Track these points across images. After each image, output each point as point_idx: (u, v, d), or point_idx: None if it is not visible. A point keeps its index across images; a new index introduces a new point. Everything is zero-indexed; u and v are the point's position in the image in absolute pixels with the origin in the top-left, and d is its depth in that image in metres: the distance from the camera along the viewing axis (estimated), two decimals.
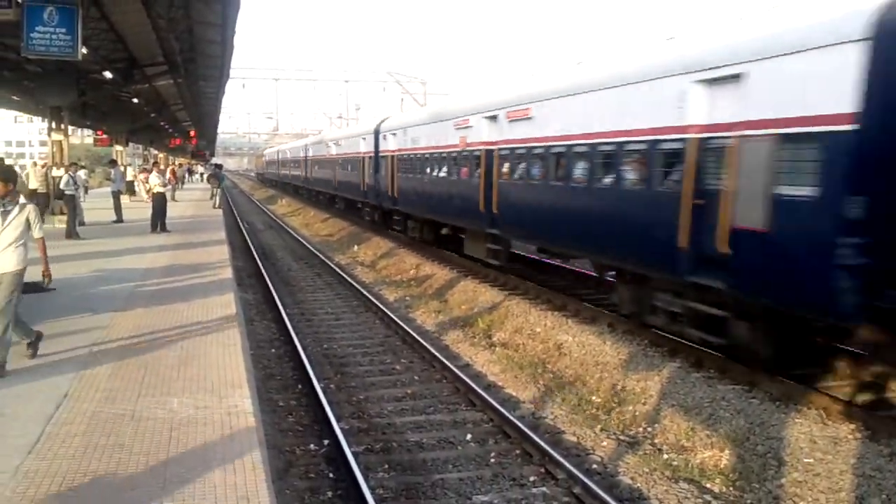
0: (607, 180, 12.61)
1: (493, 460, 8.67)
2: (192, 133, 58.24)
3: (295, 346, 13.00)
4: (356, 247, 28.70)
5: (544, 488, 7.91)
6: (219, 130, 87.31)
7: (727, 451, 8.49)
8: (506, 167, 16.90)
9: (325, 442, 9.01)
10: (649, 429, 9.57)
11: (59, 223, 22.88)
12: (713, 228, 9.76)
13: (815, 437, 8.28)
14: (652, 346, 12.03)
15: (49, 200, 25.59)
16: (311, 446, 8.97)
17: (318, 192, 47.40)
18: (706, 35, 11.32)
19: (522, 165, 16.07)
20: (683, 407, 9.70)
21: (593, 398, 10.75)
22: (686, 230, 10.25)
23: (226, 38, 22.04)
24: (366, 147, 31.02)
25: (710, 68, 10.08)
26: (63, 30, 15.21)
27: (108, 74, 25.38)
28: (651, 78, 11.48)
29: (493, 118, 17.79)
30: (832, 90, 8.18)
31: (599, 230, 13.27)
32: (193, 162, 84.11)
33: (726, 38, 10.51)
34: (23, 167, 35.25)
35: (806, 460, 7.93)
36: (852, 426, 8.42)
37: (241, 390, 7.74)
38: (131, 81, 28.52)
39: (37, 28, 15.14)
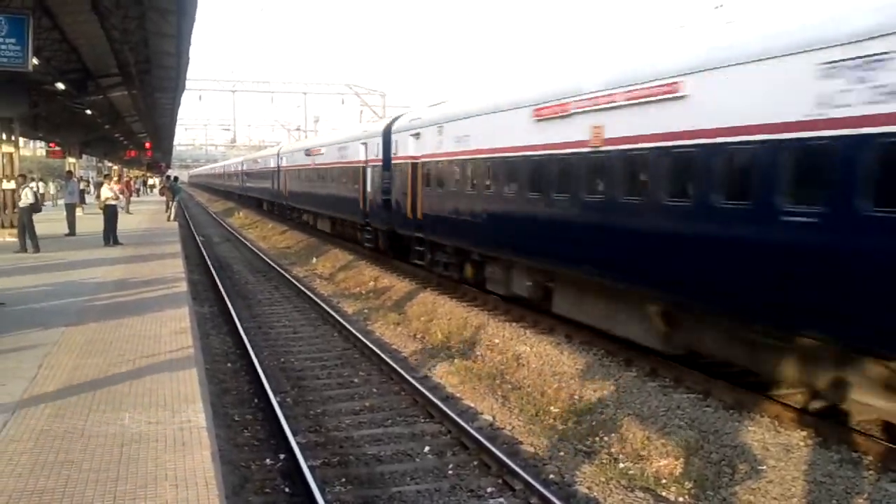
0: (345, 183, 28.52)
1: (451, 472, 8.65)
2: (147, 145, 57.46)
3: (251, 360, 12.87)
4: (314, 259, 28.56)
5: (502, 499, 7.91)
6: (175, 142, 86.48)
7: (682, 460, 8.57)
8: (332, 176, 32.00)
9: (282, 456, 8.92)
10: (606, 438, 9.63)
11: (10, 237, 22.43)
12: (366, 202, 25.39)
13: (768, 444, 8.41)
14: (608, 355, 12.15)
15: None
16: (267, 461, 8.88)
17: (250, 196, 62.10)
18: (370, 126, 29.33)
19: (314, 176, 35.14)
20: (639, 416, 9.79)
21: (551, 408, 10.80)
22: (363, 202, 25.67)
23: (181, 50, 21.87)
24: (275, 163, 46.64)
25: (362, 138, 26.48)
26: (12, 40, 14.95)
27: (60, 86, 24.99)
28: (351, 140, 28.32)
29: (319, 152, 34.28)
30: (377, 150, 24.10)
31: (334, 202, 30.66)
32: (149, 174, 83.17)
33: (364, 128, 29.54)
34: None
35: (759, 467, 8.04)
36: (804, 433, 8.57)
37: (195, 405, 7.61)
38: (85, 93, 28.14)
39: None
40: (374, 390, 11.88)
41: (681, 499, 7.94)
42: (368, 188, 24.92)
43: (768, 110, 8.43)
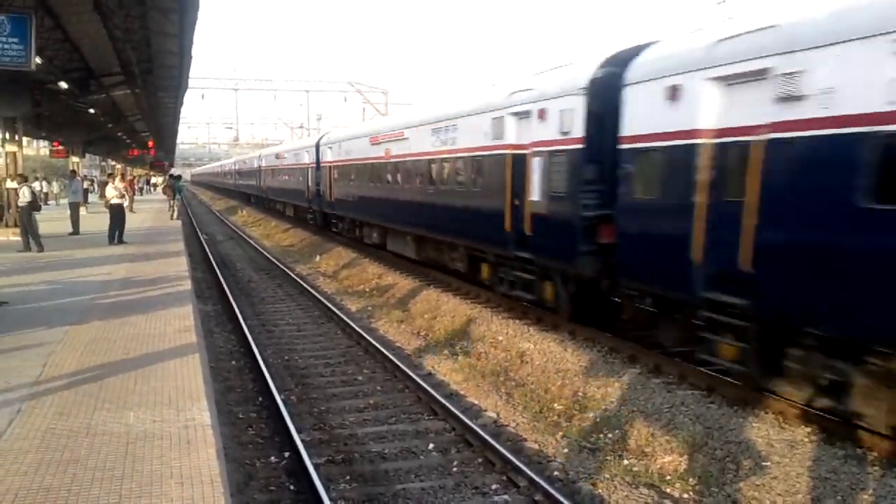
0: (297, 179, 38.44)
1: (455, 469, 8.66)
2: (150, 144, 57.53)
3: (255, 358, 12.88)
4: (318, 257, 28.58)
5: (506, 496, 7.92)
6: (178, 141, 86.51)
7: (686, 456, 8.57)
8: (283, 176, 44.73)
9: (286, 454, 8.93)
10: (610, 435, 9.62)
11: (14, 236, 22.48)
12: (309, 192, 35.25)
13: (773, 440, 8.41)
14: (612, 352, 12.14)
15: (2, 213, 25.13)
16: (272, 458, 8.89)
17: (240, 192, 71.54)
18: (312, 139, 40.88)
19: (281, 173, 44.84)
20: (643, 413, 9.79)
21: (555, 405, 10.80)
22: (307, 192, 35.45)
23: (183, 48, 21.87)
24: (257, 163, 56.67)
25: (307, 147, 36.94)
26: (15, 39, 14.98)
27: (63, 85, 25.00)
28: (301, 148, 38.79)
29: (283, 156, 44.52)
30: (314, 156, 34.20)
31: (292, 193, 40.77)
32: (152, 173, 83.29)
33: (309, 140, 42.13)
34: None
35: (763, 464, 8.03)
36: (808, 429, 8.56)
37: (199, 403, 7.64)
38: (87, 92, 28.12)
39: None
40: (378, 388, 11.89)
41: (685, 495, 7.94)
42: (310, 183, 34.72)
43: (425, 146, 19.20)
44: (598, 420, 10.07)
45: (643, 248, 10.98)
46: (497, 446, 8.85)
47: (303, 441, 9.01)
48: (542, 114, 13.29)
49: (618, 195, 11.31)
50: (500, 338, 13.94)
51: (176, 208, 36.13)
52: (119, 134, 49.89)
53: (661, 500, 7.85)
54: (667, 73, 10.29)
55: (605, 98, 11.74)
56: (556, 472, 8.56)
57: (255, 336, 14.71)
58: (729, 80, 9.17)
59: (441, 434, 9.80)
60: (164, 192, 44.08)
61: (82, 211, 29.05)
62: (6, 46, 15.04)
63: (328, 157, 31.26)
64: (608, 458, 8.97)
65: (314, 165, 33.75)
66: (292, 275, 23.86)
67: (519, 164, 14.18)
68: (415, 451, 9.20)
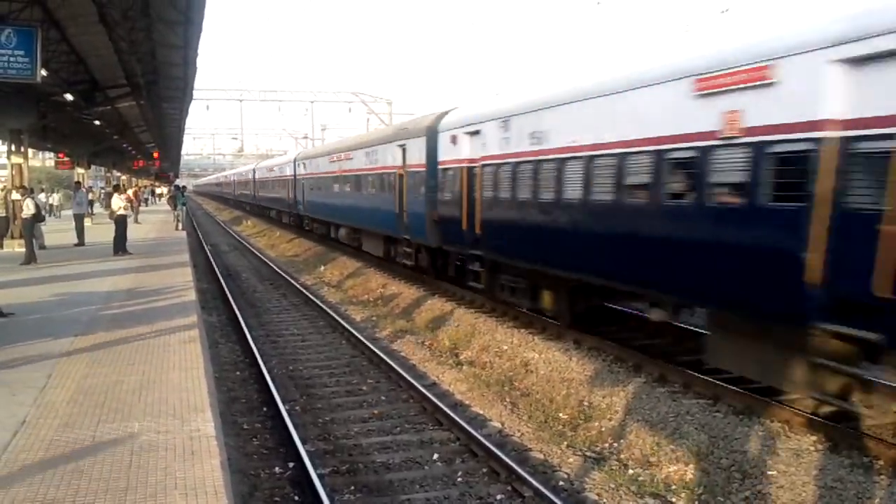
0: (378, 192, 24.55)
1: (460, 479, 8.63)
2: (155, 154, 57.72)
3: (260, 368, 12.88)
4: (322, 267, 28.58)
5: None
6: (183, 151, 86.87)
7: (692, 465, 8.54)
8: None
9: (291, 465, 8.92)
10: (615, 444, 9.60)
11: (19, 247, 22.55)
12: (403, 213, 21.77)
13: (778, 449, 8.37)
14: (617, 361, 12.12)
15: (8, 224, 25.20)
16: (276, 469, 8.88)
17: (263, 206, 60.54)
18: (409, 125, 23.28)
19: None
20: (649, 422, 9.77)
21: (560, 415, 10.78)
22: (401, 214, 22.04)
23: (188, 60, 21.97)
24: (290, 170, 43.36)
25: (399, 139, 22.31)
26: (21, 52, 15.08)
27: (69, 96, 25.14)
28: (384, 143, 24.18)
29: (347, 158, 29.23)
30: (418, 153, 20.21)
31: (364, 214, 26.61)
32: (157, 183, 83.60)
33: (401, 127, 24.45)
34: None
35: (769, 473, 8.00)
36: (814, 438, 8.53)
37: (204, 414, 7.63)
38: (93, 103, 28.25)
39: None
40: (383, 398, 11.87)
41: None
42: (406, 198, 21.06)
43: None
44: (603, 429, 10.04)
45: None
46: (502, 456, 8.83)
47: (307, 451, 9.01)
48: None
49: None
50: (505, 347, 13.92)
51: (180, 219, 36.31)
52: (124, 145, 50.12)
53: None
54: None
55: None
56: (561, 483, 8.53)
57: (259, 346, 14.71)
58: None
59: (446, 444, 9.78)
60: (169, 203, 44.34)
61: (87, 222, 29.13)
62: (12, 59, 15.13)
63: (463, 151, 17.13)
64: (613, 467, 8.95)
65: (419, 168, 19.95)
66: (297, 285, 23.87)
67: None
68: (419, 461, 9.18)
